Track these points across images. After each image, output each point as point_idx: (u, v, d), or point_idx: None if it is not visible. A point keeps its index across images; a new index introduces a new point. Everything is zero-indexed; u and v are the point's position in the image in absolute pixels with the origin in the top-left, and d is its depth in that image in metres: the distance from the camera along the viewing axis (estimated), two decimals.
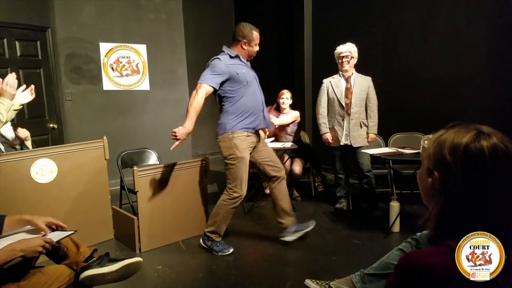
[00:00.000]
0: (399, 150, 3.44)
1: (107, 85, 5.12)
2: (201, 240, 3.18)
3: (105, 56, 5.06)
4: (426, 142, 3.12)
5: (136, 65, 5.30)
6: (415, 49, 4.40)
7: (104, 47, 5.05)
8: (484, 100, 3.84)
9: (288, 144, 4.24)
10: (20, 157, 2.89)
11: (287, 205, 3.19)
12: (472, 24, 3.92)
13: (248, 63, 3.09)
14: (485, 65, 3.85)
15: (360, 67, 3.87)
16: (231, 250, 3.09)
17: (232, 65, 2.92)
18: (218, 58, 2.94)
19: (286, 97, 4.49)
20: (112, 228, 3.46)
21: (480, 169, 0.86)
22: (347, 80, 3.79)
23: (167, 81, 5.61)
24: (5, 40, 4.20)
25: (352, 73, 3.79)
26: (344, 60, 3.73)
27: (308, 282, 2.56)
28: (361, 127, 3.81)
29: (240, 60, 2.99)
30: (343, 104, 3.77)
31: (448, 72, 4.17)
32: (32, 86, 2.75)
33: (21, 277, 1.63)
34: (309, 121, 5.85)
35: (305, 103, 5.81)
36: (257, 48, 3.02)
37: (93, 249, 1.90)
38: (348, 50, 3.72)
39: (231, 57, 2.96)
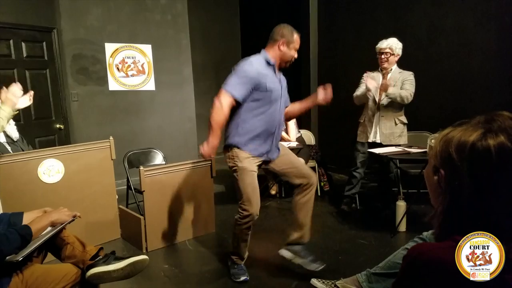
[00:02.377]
0: (406, 149, 3.42)
1: (113, 85, 5.14)
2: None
3: (111, 57, 5.09)
4: (433, 141, 3.08)
5: (142, 65, 5.32)
6: (422, 49, 4.38)
7: (109, 47, 5.07)
8: (492, 100, 3.81)
9: (294, 144, 4.23)
10: (28, 158, 2.91)
11: (303, 219, 2.68)
12: (480, 24, 3.89)
13: (280, 74, 2.64)
14: (493, 65, 3.82)
15: (369, 67, 3.83)
16: (243, 278, 2.70)
17: (265, 76, 2.46)
18: (249, 60, 2.47)
19: None
20: (119, 227, 3.48)
21: (486, 167, 0.85)
22: (384, 75, 3.63)
23: (173, 82, 5.62)
24: (11, 41, 4.24)
25: (391, 69, 3.62)
26: (383, 56, 3.56)
27: (314, 281, 2.56)
28: (395, 124, 3.61)
29: (274, 70, 2.55)
30: (376, 100, 3.62)
31: (455, 71, 4.14)
32: (31, 92, 2.79)
33: (28, 276, 1.65)
34: (315, 121, 5.84)
35: None
36: (295, 54, 2.56)
37: (99, 247, 1.91)
38: (388, 46, 3.53)
39: (268, 64, 2.52)
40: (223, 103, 2.41)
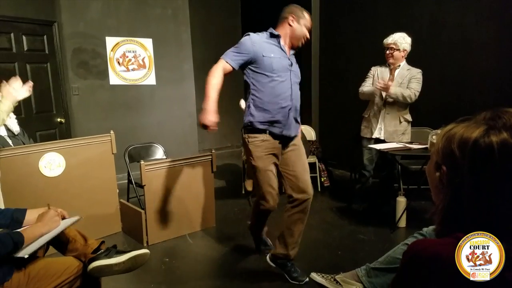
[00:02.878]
0: (407, 145, 3.42)
1: (113, 79, 5.13)
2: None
3: (111, 51, 5.08)
4: (434, 137, 3.09)
5: (142, 60, 5.31)
6: (423, 44, 4.37)
7: (110, 41, 5.06)
8: (493, 96, 3.81)
9: None
10: (29, 151, 2.92)
11: (290, 238, 2.56)
12: (481, 20, 3.88)
13: (291, 52, 2.55)
14: (495, 61, 3.81)
15: (370, 62, 3.82)
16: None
17: (262, 44, 2.42)
18: (248, 34, 2.46)
19: None
20: (119, 221, 3.49)
21: (488, 164, 0.84)
22: (391, 71, 3.59)
23: (174, 77, 5.61)
24: (12, 35, 4.22)
25: (399, 65, 3.56)
26: (388, 52, 3.51)
27: (313, 275, 2.56)
28: (400, 122, 3.59)
29: (279, 43, 2.48)
30: (382, 95, 3.58)
31: (457, 68, 4.14)
32: (31, 83, 2.78)
33: (31, 269, 1.66)
34: (315, 117, 5.84)
35: (311, 97, 5.77)
36: (306, 32, 2.48)
37: (100, 241, 1.92)
38: (393, 41, 3.47)
39: (271, 35, 2.49)
40: (217, 66, 2.40)
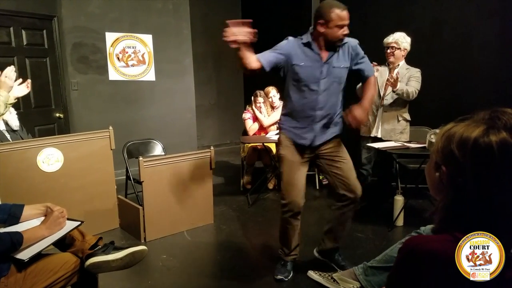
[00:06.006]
0: (405, 144, 3.42)
1: (113, 75, 5.12)
2: None
3: (111, 46, 5.06)
4: (432, 136, 3.09)
5: (142, 55, 5.30)
6: (424, 42, 4.35)
7: (110, 37, 5.04)
8: (495, 95, 3.80)
9: (274, 133, 4.25)
10: (27, 146, 2.91)
11: (341, 232, 2.62)
12: (483, 18, 3.87)
13: (329, 55, 2.37)
14: (496, 60, 3.80)
15: (372, 60, 3.80)
16: (279, 277, 2.58)
17: (297, 50, 2.35)
18: (288, 37, 2.40)
19: (273, 95, 4.62)
20: (117, 217, 3.49)
21: (488, 164, 0.85)
22: (390, 70, 3.59)
23: (173, 71, 5.60)
24: (11, 29, 4.20)
25: (399, 65, 3.56)
26: (389, 51, 3.52)
27: (311, 273, 2.58)
28: (398, 121, 3.58)
29: (311, 49, 2.36)
30: (381, 94, 3.59)
31: (458, 66, 4.13)
32: (29, 80, 2.77)
33: (28, 265, 1.66)
34: None
35: None
36: (341, 32, 2.28)
37: (98, 237, 1.92)
38: (394, 40, 3.48)
39: (303, 44, 2.37)
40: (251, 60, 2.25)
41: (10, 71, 2.48)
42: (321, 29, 2.30)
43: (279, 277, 2.59)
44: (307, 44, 2.37)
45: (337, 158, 2.51)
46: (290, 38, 2.42)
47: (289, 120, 2.49)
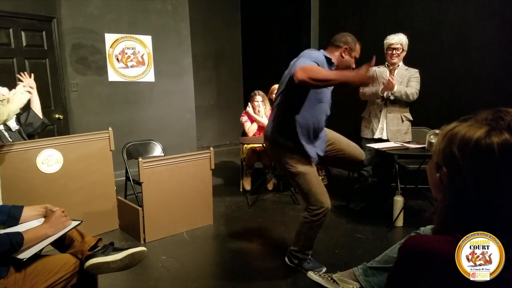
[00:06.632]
0: (405, 144, 3.42)
1: (112, 76, 5.12)
2: (286, 259, 2.81)
3: (111, 47, 5.06)
4: (431, 136, 3.09)
5: (141, 56, 5.30)
6: (423, 43, 4.36)
7: (109, 38, 5.04)
8: (494, 95, 3.80)
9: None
10: (26, 147, 2.91)
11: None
12: (482, 19, 3.87)
13: None
14: (495, 60, 3.81)
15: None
16: (324, 269, 2.66)
17: (324, 66, 2.36)
18: (315, 51, 2.42)
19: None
20: (117, 218, 3.49)
21: (489, 166, 0.84)
22: (391, 71, 3.62)
23: (173, 72, 5.60)
24: (11, 30, 4.20)
25: (398, 65, 3.62)
26: (394, 52, 3.55)
27: (310, 274, 2.57)
28: (402, 121, 3.62)
29: (330, 66, 2.46)
30: (383, 95, 3.59)
31: (457, 67, 4.13)
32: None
33: (27, 266, 1.65)
34: None
35: None
36: (353, 63, 2.51)
37: (97, 238, 1.92)
38: (399, 42, 3.52)
39: (328, 62, 2.42)
40: (309, 66, 2.18)
41: (21, 88, 2.52)
42: (345, 54, 2.46)
43: (323, 269, 2.66)
44: (329, 60, 2.44)
45: (332, 146, 2.67)
46: (320, 51, 2.45)
47: (304, 138, 2.46)
